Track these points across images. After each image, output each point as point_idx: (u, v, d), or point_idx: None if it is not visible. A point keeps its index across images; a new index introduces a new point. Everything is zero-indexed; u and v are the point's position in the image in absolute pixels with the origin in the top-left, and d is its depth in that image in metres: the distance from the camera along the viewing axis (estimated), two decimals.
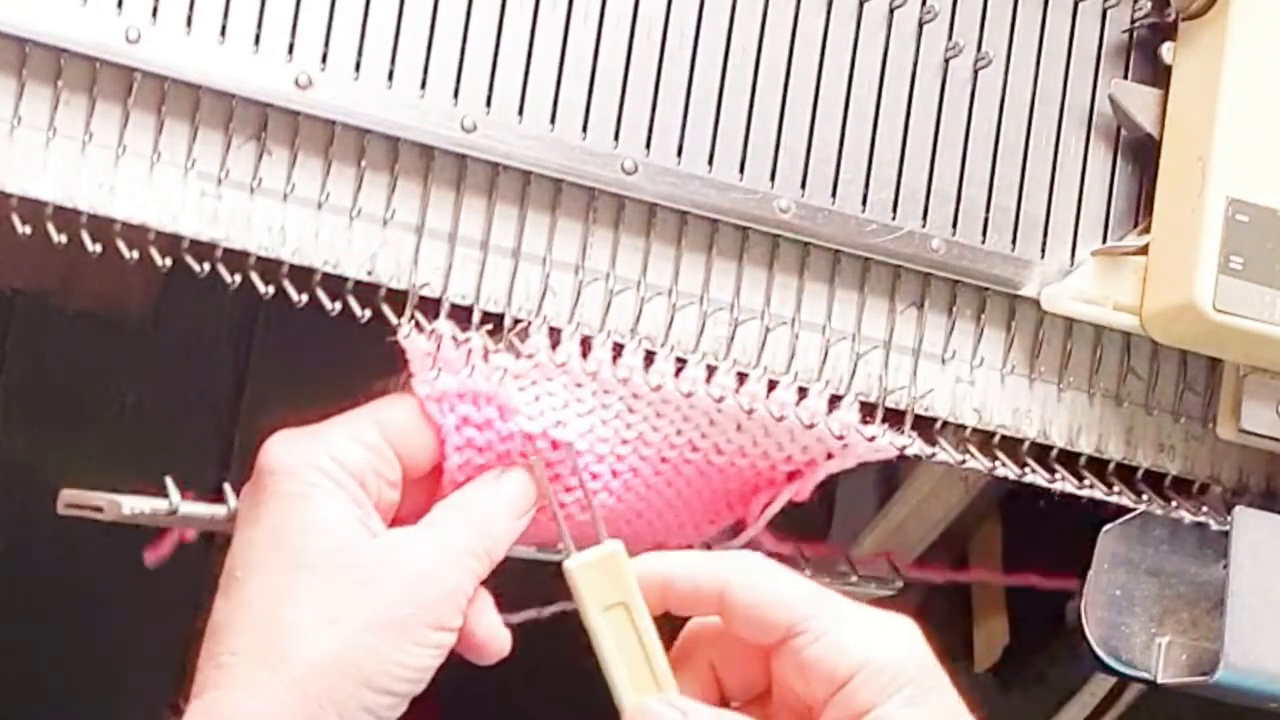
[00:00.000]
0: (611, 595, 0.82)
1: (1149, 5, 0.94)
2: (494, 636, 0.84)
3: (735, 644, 0.83)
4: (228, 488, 0.85)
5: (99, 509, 0.85)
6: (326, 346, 0.96)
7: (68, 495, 0.87)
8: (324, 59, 0.83)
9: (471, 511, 0.84)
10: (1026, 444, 0.93)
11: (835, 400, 0.89)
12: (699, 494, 0.91)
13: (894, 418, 0.91)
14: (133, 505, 0.84)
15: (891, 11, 0.91)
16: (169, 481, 0.85)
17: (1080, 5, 0.94)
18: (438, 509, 0.84)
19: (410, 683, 0.81)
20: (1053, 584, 0.99)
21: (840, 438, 0.89)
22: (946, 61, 0.91)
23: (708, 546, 0.94)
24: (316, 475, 0.81)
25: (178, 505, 0.85)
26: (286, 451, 0.82)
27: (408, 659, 0.80)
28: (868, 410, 0.90)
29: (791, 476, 0.91)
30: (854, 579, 0.97)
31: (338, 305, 0.83)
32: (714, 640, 0.83)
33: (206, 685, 0.79)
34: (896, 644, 0.81)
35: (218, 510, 0.85)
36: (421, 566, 0.81)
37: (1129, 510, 0.93)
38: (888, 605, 0.97)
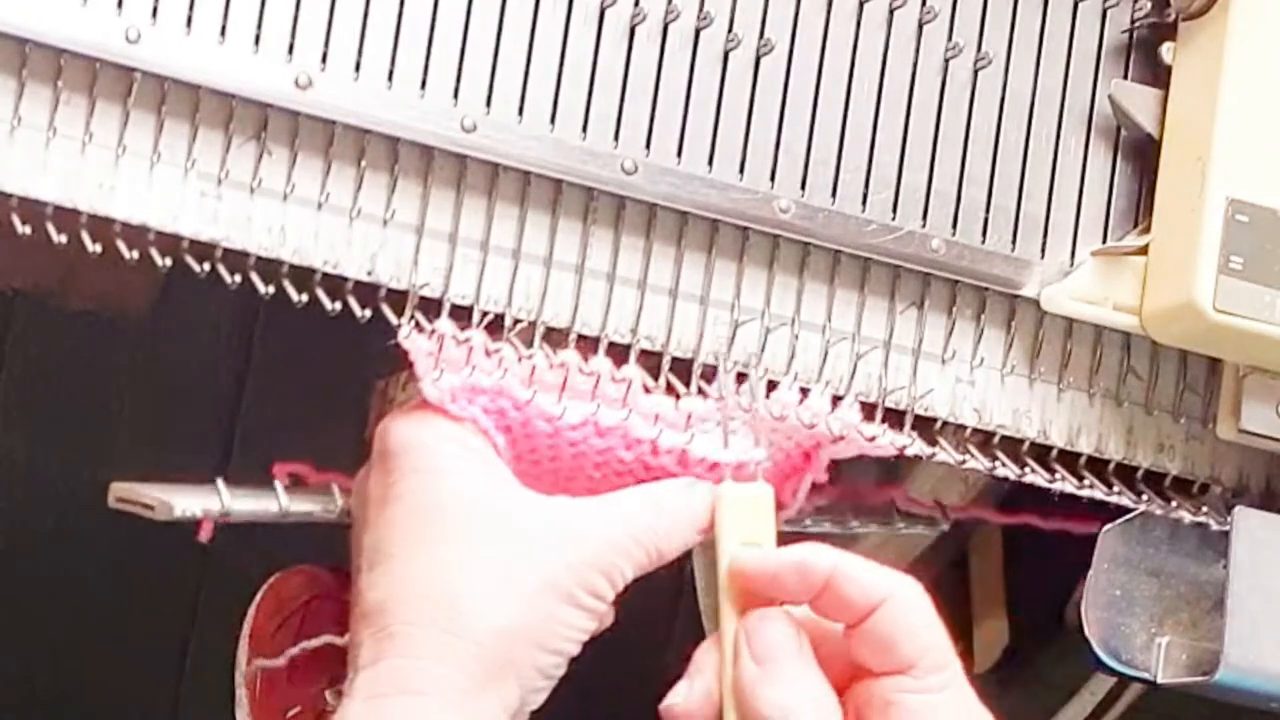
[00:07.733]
0: (750, 533, 0.83)
1: (1149, 5, 0.94)
2: None
3: (839, 649, 0.82)
4: (278, 484, 0.86)
5: (150, 507, 0.84)
6: (326, 346, 0.96)
7: (118, 489, 0.86)
8: (324, 59, 0.83)
9: (651, 499, 0.85)
10: (1026, 444, 0.93)
11: (835, 400, 0.89)
12: None
13: (894, 417, 0.91)
14: (184, 505, 0.84)
15: (891, 11, 0.91)
16: (219, 483, 0.85)
17: (1080, 5, 0.93)
18: (620, 491, 0.85)
19: (573, 643, 0.82)
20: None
21: (840, 438, 0.89)
22: (946, 61, 0.91)
23: None
24: (445, 445, 0.82)
25: (230, 507, 0.85)
26: (408, 429, 0.83)
27: (571, 619, 0.81)
28: (868, 410, 0.90)
29: (807, 456, 0.91)
30: (900, 525, 0.97)
31: (338, 305, 0.83)
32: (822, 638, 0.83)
33: (380, 655, 0.79)
34: None
35: (269, 506, 0.86)
36: (583, 531, 0.82)
37: (1129, 510, 0.93)
38: None
